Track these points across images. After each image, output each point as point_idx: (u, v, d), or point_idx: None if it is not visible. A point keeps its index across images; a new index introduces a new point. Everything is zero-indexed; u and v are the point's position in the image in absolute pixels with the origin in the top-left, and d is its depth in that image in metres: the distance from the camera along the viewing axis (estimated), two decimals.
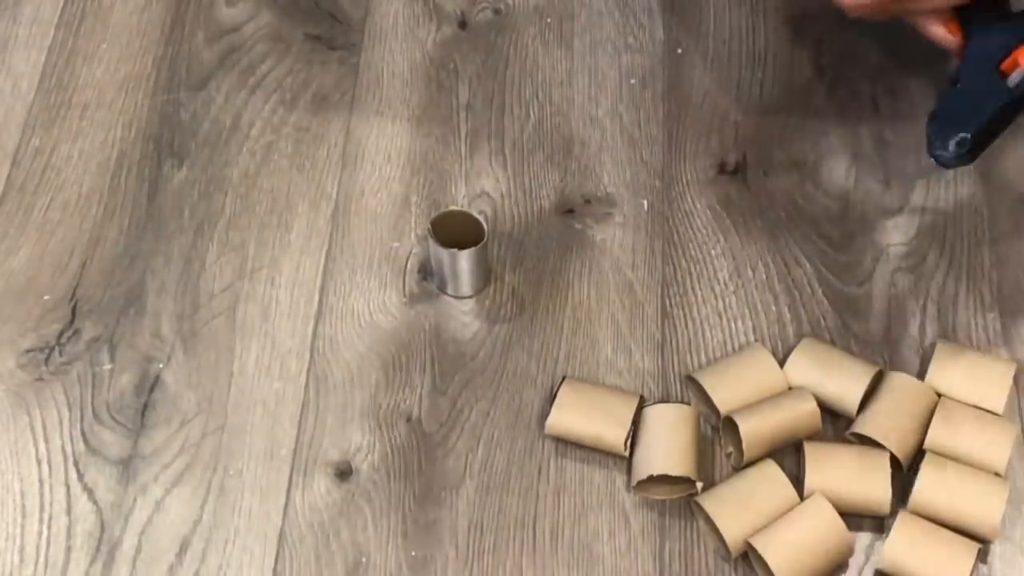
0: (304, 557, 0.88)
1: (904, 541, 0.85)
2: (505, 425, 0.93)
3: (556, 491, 0.90)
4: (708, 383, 0.91)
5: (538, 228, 1.01)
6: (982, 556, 0.86)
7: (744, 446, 0.88)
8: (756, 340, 0.95)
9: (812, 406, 0.89)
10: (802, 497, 0.87)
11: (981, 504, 0.86)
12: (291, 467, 0.91)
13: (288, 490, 0.90)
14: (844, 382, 0.91)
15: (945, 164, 0.91)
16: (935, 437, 0.89)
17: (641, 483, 0.88)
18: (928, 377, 0.91)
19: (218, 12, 1.14)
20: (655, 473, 0.87)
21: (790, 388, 0.91)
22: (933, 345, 0.94)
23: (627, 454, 0.90)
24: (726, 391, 0.91)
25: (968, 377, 0.91)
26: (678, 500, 0.89)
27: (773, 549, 0.84)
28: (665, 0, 1.13)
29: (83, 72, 1.10)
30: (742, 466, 0.89)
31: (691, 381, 0.93)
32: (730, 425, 0.89)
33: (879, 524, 0.87)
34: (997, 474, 0.88)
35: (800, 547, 0.84)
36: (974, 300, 0.97)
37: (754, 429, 0.88)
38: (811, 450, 0.88)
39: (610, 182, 1.04)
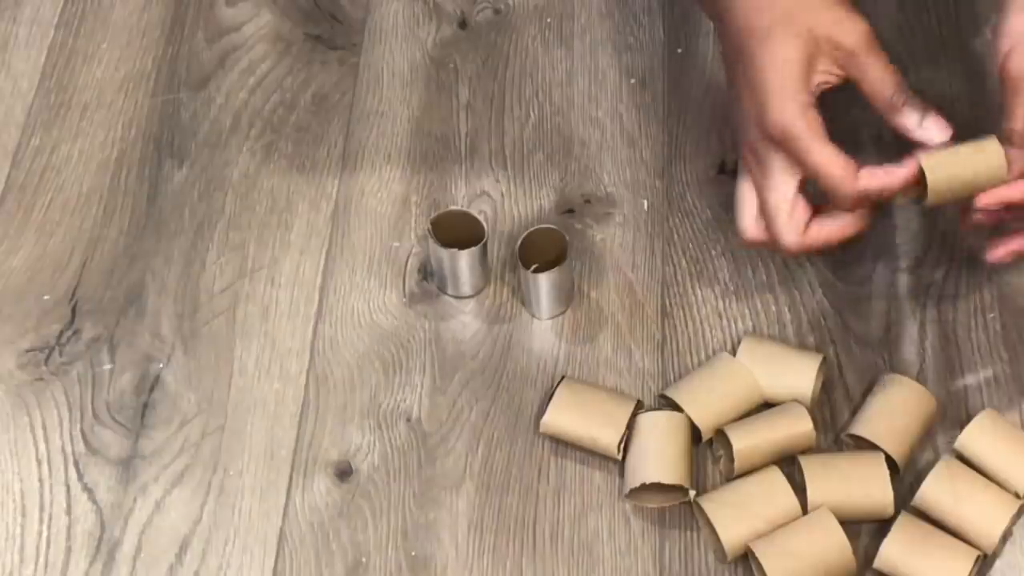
0: (304, 557, 0.88)
1: (902, 542, 0.84)
2: (505, 425, 0.93)
3: (556, 491, 0.90)
4: (685, 401, 0.90)
5: None
6: (981, 558, 0.86)
7: (736, 466, 0.88)
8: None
9: (807, 428, 0.88)
10: (805, 512, 0.86)
11: (984, 515, 0.85)
12: (291, 467, 0.91)
13: (288, 490, 0.90)
14: (793, 379, 0.91)
15: None
16: (966, 441, 0.88)
17: (634, 491, 0.88)
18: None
19: (218, 12, 1.14)
20: (648, 481, 0.87)
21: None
22: (933, 345, 0.94)
23: (620, 457, 0.89)
24: (706, 411, 0.90)
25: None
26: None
27: (772, 557, 0.83)
28: (665, 0, 1.13)
29: (83, 72, 1.10)
30: (734, 476, 0.88)
31: (665, 399, 0.92)
32: (721, 432, 0.89)
33: (879, 525, 0.87)
34: (1017, 495, 0.87)
35: (800, 559, 0.83)
36: (974, 300, 0.97)
37: (748, 448, 0.87)
38: (809, 466, 0.87)
39: (610, 182, 1.04)
